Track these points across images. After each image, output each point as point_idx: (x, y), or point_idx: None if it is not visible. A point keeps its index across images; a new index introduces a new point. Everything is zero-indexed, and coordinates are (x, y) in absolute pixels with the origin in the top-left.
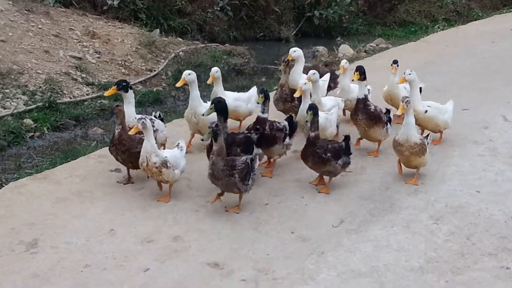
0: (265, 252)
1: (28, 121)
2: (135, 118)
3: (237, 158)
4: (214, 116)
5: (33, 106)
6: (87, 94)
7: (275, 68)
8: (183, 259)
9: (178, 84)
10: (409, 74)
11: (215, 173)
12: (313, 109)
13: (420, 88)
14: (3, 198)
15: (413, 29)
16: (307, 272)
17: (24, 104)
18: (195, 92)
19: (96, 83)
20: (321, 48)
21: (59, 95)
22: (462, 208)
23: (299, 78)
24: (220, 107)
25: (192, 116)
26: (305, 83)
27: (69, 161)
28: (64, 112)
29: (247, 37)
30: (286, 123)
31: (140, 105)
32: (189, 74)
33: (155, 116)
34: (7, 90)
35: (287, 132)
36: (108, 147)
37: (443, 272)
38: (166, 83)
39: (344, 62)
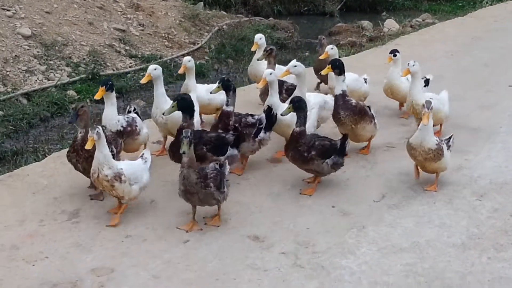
0: (305, 225)
1: (71, 92)
2: (118, 121)
3: (205, 167)
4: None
5: (77, 77)
6: (130, 67)
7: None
8: (223, 232)
9: (143, 81)
10: (413, 65)
11: (188, 187)
12: (296, 102)
13: (428, 80)
14: (46, 168)
15: (460, 4)
16: (347, 246)
17: (67, 76)
18: (160, 89)
19: (139, 56)
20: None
21: (102, 67)
22: (506, 185)
23: (259, 66)
24: (183, 104)
25: (158, 115)
26: (270, 73)
27: None
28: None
29: (291, 11)
30: (262, 116)
31: (183, 78)
32: (155, 69)
33: (129, 111)
34: (51, 62)
35: (262, 126)
36: (67, 152)
37: (485, 248)
38: (209, 57)
39: (329, 48)
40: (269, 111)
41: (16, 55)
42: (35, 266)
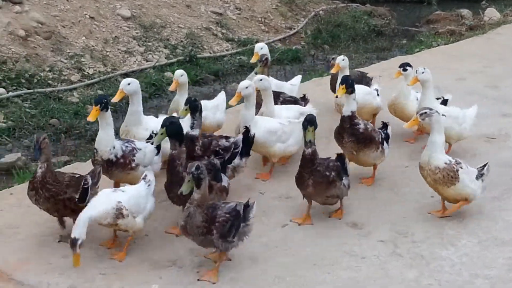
0: (402, 214)
1: (168, 74)
2: (113, 148)
3: (220, 205)
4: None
5: (174, 59)
6: (226, 50)
7: (416, 31)
8: (320, 218)
9: (115, 99)
10: (422, 72)
11: (188, 227)
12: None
13: (446, 101)
14: None
15: None
16: (447, 237)
17: (165, 58)
18: (136, 106)
19: (235, 39)
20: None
21: (199, 50)
22: None
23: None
24: (172, 130)
25: (124, 135)
26: (246, 87)
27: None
28: (203, 66)
29: None
30: (238, 138)
31: (279, 63)
32: (129, 84)
33: (149, 138)
34: (150, 43)
35: (237, 150)
36: (27, 190)
37: None
38: (305, 42)
39: (340, 59)
40: (246, 133)
41: (115, 36)
42: (136, 243)
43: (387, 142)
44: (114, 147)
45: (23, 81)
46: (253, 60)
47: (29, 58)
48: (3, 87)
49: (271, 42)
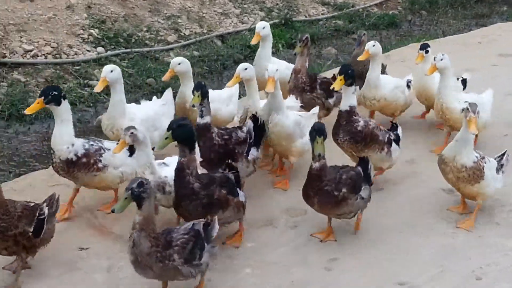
0: None
1: None
2: (72, 145)
3: (173, 228)
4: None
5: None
6: (322, 14)
7: None
8: (414, 184)
9: (98, 89)
10: (441, 59)
11: (139, 259)
12: (318, 131)
13: (465, 80)
14: None
15: None
16: None
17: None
18: (118, 96)
19: (331, 3)
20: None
21: (295, 13)
22: None
23: (264, 64)
24: (181, 134)
25: (108, 128)
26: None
27: None
28: (298, 30)
29: None
30: (249, 126)
31: (375, 28)
32: (111, 71)
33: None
34: (246, 6)
35: (251, 141)
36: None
37: None
38: (402, 7)
39: (370, 45)
40: (255, 120)
41: None
42: None
43: (398, 144)
44: (72, 145)
45: (121, 40)
46: (254, 41)
47: (127, 18)
48: (102, 46)
49: (367, 7)
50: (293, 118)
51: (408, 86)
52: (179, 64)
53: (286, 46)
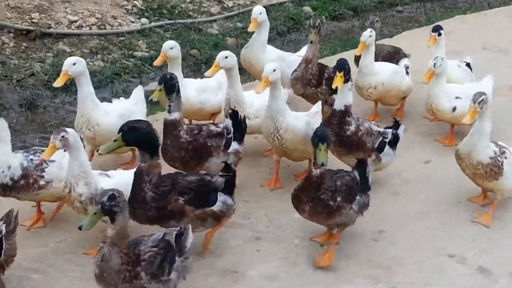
0: None
1: (307, 8)
2: (8, 169)
3: (142, 239)
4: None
5: None
6: None
7: None
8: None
9: (58, 84)
10: (440, 65)
11: (105, 275)
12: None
13: (469, 64)
14: None
15: None
16: None
17: None
18: (85, 88)
19: None
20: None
21: None
22: None
23: (263, 53)
24: (132, 137)
25: (84, 126)
26: (273, 70)
27: (348, 50)
28: (342, 2)
29: None
30: (227, 122)
31: (419, 0)
32: (74, 64)
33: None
34: None
35: (230, 135)
36: None
37: None
38: None
39: (367, 35)
40: (235, 116)
41: None
42: None
43: (394, 146)
44: (9, 167)
45: (165, 11)
46: (251, 28)
47: None
48: (146, 17)
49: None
50: (303, 118)
51: (407, 73)
52: (171, 48)
53: (329, 18)
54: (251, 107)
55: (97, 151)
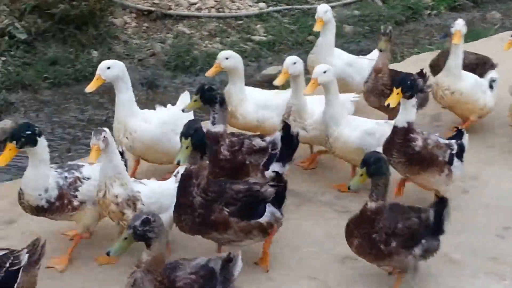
0: None
1: None
2: (45, 191)
3: (181, 263)
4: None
5: None
6: None
7: None
8: None
9: (90, 88)
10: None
11: None
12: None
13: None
14: None
15: None
16: None
17: None
18: (124, 94)
19: None
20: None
21: None
22: None
23: (324, 54)
24: (199, 139)
25: (121, 134)
26: (324, 71)
27: (470, 41)
28: None
29: None
30: (275, 137)
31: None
32: (109, 68)
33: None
34: None
35: (275, 151)
36: None
37: None
38: None
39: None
40: (286, 129)
41: None
42: None
43: (461, 157)
44: (46, 191)
45: None
46: (317, 28)
47: None
48: (264, 1)
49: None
50: (362, 128)
51: (491, 87)
52: (227, 58)
53: (448, 9)
54: (312, 117)
55: (178, 163)
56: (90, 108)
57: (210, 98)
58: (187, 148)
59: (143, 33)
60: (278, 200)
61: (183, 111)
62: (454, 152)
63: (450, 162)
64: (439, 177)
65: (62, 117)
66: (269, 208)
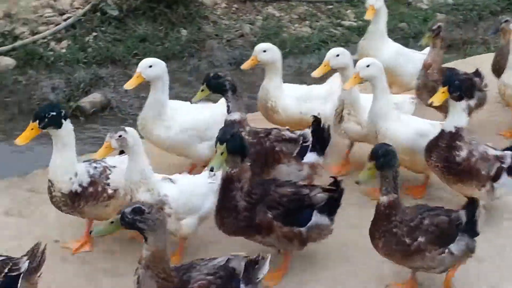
0: None
1: None
2: (75, 175)
3: (198, 263)
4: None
5: None
6: None
7: None
8: None
9: (129, 86)
10: None
11: None
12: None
13: None
14: None
15: None
16: None
17: None
18: (158, 95)
19: None
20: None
21: None
22: None
23: (383, 44)
24: (236, 145)
25: (142, 130)
26: (367, 65)
27: None
28: None
29: None
30: (306, 131)
31: None
32: (150, 67)
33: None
34: None
35: (307, 143)
36: None
37: None
38: None
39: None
40: (317, 123)
41: None
42: None
43: (509, 173)
44: (76, 174)
45: None
46: (368, 15)
47: None
48: None
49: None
50: (414, 126)
51: None
52: (264, 51)
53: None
54: (361, 113)
55: (211, 170)
56: (177, 86)
57: (218, 85)
58: (222, 154)
59: (233, 14)
60: (331, 208)
61: (190, 102)
62: (504, 166)
63: (496, 178)
64: (478, 192)
65: None
66: (316, 217)
